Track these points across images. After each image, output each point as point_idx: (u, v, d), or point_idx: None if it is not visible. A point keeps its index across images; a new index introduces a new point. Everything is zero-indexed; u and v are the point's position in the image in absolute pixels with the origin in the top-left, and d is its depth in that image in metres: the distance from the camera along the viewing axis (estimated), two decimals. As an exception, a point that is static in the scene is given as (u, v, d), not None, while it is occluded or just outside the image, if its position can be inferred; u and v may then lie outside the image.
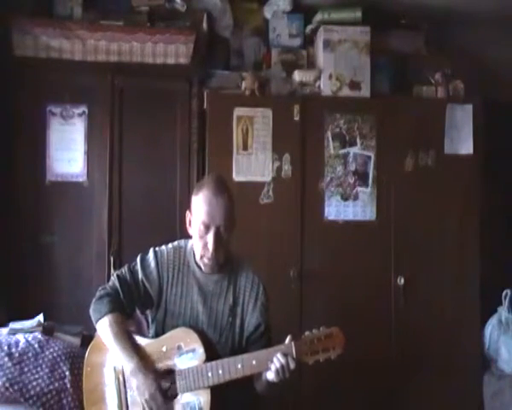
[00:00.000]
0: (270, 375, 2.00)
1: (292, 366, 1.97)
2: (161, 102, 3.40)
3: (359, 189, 3.46)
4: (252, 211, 3.28)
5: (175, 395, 2.07)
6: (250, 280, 2.23)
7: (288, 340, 2.01)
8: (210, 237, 2.10)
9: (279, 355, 1.97)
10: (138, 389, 2.06)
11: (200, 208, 2.12)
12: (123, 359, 2.09)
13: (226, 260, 2.19)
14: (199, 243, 2.13)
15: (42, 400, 2.36)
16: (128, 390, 2.12)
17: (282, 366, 1.97)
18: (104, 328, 2.13)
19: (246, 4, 3.67)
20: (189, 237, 2.24)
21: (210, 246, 2.10)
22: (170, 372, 2.09)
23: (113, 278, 2.22)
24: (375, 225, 3.47)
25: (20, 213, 3.27)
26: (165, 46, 3.37)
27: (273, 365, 1.97)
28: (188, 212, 2.21)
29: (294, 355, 1.97)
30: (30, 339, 2.53)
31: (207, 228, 2.11)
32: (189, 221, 2.20)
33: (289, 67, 3.56)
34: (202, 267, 2.18)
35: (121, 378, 2.12)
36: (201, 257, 2.14)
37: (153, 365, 2.09)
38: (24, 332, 2.60)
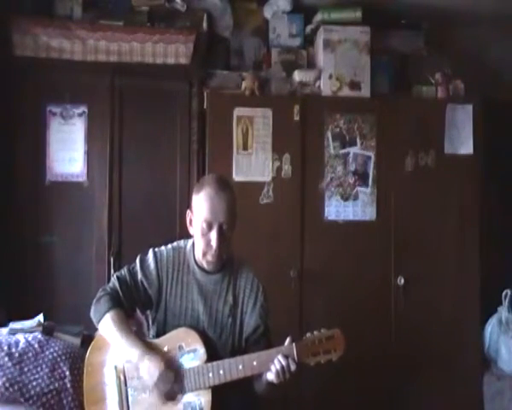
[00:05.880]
0: (271, 376, 1.99)
1: (293, 367, 1.97)
2: (161, 102, 3.41)
3: (359, 189, 3.46)
4: (252, 211, 3.27)
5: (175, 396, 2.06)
6: (250, 281, 2.21)
7: (288, 341, 2.01)
8: (213, 235, 2.09)
9: (280, 357, 1.97)
10: (148, 372, 2.04)
11: (202, 206, 2.11)
12: (128, 348, 2.08)
13: (227, 259, 2.19)
14: (201, 241, 2.11)
15: (42, 400, 2.35)
16: (129, 390, 2.11)
17: (283, 368, 1.97)
18: (106, 324, 2.11)
19: (246, 4, 3.67)
20: (189, 236, 2.23)
21: (213, 243, 2.09)
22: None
23: (113, 279, 2.21)
24: (375, 225, 3.47)
25: (20, 213, 3.26)
26: (165, 46, 3.37)
27: (274, 366, 1.97)
28: (188, 211, 2.20)
29: (296, 356, 1.97)
30: (30, 339, 2.52)
31: (210, 226, 2.09)
32: (190, 220, 2.19)
33: (289, 67, 3.56)
34: (205, 266, 2.16)
35: (122, 378, 2.12)
36: (204, 255, 2.13)
37: (159, 350, 2.08)
38: (24, 332, 2.58)
